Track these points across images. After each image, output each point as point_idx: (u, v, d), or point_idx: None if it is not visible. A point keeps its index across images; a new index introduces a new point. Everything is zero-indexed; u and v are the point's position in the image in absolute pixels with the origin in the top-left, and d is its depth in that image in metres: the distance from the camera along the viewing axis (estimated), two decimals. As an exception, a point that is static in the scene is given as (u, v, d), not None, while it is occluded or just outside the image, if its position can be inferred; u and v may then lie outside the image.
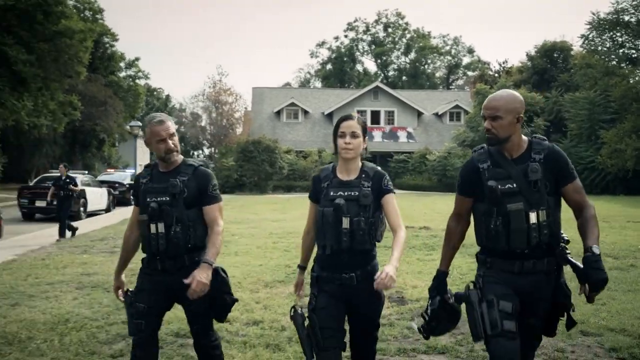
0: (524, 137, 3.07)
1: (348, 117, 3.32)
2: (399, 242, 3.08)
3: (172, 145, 3.49)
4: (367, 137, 3.37)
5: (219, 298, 3.48)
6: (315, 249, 3.37)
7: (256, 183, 35.33)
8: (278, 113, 45.85)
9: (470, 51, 74.40)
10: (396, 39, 74.68)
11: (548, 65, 42.98)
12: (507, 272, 3.02)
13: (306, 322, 3.21)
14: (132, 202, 3.84)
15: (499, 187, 2.96)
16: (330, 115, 45.31)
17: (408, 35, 74.12)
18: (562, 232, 3.08)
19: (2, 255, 10.21)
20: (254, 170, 35.17)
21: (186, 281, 3.25)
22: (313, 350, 3.14)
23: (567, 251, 3.05)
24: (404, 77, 73.39)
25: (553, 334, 3.24)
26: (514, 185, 2.96)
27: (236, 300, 3.60)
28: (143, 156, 55.05)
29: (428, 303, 3.28)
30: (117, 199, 24.07)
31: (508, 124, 2.98)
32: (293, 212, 19.61)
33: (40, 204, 18.94)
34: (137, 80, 56.02)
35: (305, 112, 45.95)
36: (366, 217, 3.14)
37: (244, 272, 8.27)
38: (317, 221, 3.25)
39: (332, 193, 3.23)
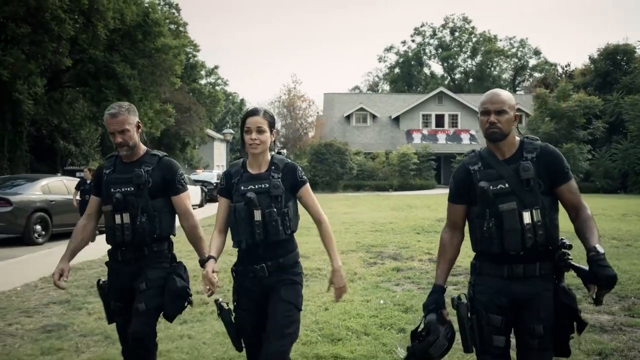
0: (517, 138, 3.00)
1: (253, 113, 3.25)
2: (330, 236, 3.32)
3: (120, 140, 3.44)
4: (275, 130, 3.31)
5: (170, 279, 3.46)
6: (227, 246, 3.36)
7: (328, 182, 38.09)
8: (348, 117, 48.28)
9: (537, 53, 74.66)
10: (462, 43, 75.92)
11: (611, 68, 43.86)
12: (497, 277, 2.92)
13: (233, 315, 3.25)
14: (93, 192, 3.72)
15: (491, 187, 2.87)
16: (397, 119, 47.63)
17: (474, 39, 75.23)
18: (563, 237, 2.97)
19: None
20: (326, 170, 38.07)
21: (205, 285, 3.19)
22: (241, 344, 3.26)
23: (569, 256, 2.92)
24: (470, 80, 74.47)
25: (567, 352, 2.96)
26: (506, 185, 2.87)
27: (189, 291, 3.49)
28: (220, 157, 59.01)
29: (422, 319, 3.04)
30: (208, 196, 27.61)
31: (511, 119, 2.93)
32: (361, 207, 22.39)
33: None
34: (216, 87, 59.98)
35: (374, 116, 48.15)
36: (278, 208, 3.15)
37: (326, 245, 11.15)
38: (231, 218, 3.22)
39: (242, 187, 3.20)
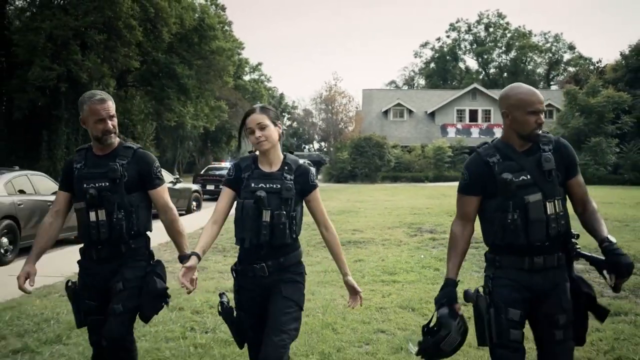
0: None
1: (251, 112, 3.15)
2: (338, 244, 3.24)
3: (111, 127, 3.26)
4: (280, 122, 3.20)
5: (150, 280, 3.28)
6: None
7: (367, 174, 40.14)
8: (386, 112, 50.12)
9: (571, 48, 75.14)
10: (497, 38, 76.70)
11: (643, 63, 45.23)
12: (518, 269, 2.90)
13: (234, 313, 3.16)
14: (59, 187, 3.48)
15: (514, 179, 2.84)
16: (432, 114, 49.39)
17: (508, 35, 75.85)
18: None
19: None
20: (365, 163, 40.22)
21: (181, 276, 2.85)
22: (244, 341, 3.18)
23: (577, 246, 2.97)
24: (504, 75, 75.28)
25: (582, 341, 3.01)
26: (528, 176, 2.85)
27: (168, 294, 3.33)
28: (262, 150, 61.61)
29: (433, 314, 2.99)
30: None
31: None
32: (400, 195, 24.80)
33: (210, 187, 25.07)
34: (259, 83, 62.81)
35: (410, 111, 49.86)
36: (287, 211, 3.05)
37: (374, 223, 13.69)
38: (237, 213, 3.08)
39: (253, 185, 3.08)
